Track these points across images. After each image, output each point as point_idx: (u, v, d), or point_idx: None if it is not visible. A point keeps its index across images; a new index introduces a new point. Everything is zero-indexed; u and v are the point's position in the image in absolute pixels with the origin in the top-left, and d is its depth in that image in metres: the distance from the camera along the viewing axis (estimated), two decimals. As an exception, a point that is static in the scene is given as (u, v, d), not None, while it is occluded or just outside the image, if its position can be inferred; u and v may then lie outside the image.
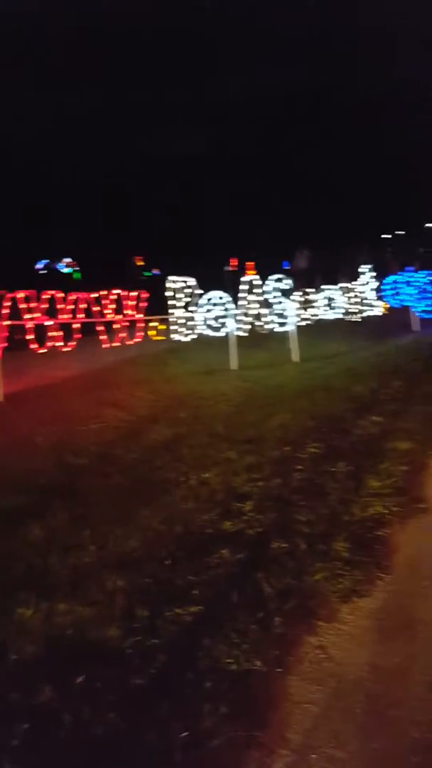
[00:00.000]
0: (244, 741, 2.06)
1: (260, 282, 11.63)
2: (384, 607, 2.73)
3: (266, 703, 2.26)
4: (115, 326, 14.35)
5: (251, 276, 11.85)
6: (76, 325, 13.53)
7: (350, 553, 3.13)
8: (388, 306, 13.01)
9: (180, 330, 11.83)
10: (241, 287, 11.64)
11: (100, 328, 14.02)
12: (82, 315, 13.74)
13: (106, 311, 14.06)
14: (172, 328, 12.01)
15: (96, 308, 13.91)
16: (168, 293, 11.79)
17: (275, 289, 11.56)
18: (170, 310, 11.90)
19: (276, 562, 3.09)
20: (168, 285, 11.77)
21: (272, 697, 2.29)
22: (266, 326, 11.58)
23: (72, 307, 13.61)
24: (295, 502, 3.85)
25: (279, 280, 11.62)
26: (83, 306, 13.70)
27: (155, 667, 2.48)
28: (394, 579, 2.94)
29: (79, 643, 2.68)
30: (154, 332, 14.34)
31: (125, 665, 2.50)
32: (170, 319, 12.06)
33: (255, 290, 11.60)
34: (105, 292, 14.18)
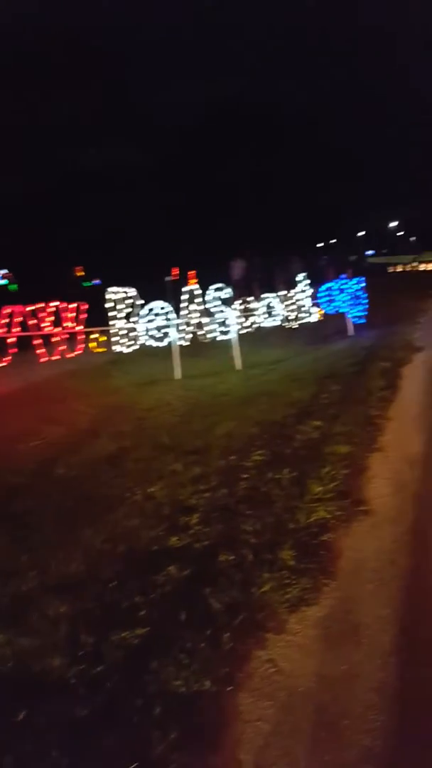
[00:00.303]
0: (196, 766, 2.01)
1: (201, 291, 11.66)
2: (330, 614, 2.75)
3: (217, 724, 2.22)
4: (53, 339, 13.94)
5: (192, 286, 11.85)
6: (11, 340, 13.05)
7: (296, 561, 3.14)
8: (323, 312, 13.33)
9: (121, 341, 11.65)
10: (183, 297, 11.63)
11: (38, 341, 13.58)
12: (18, 329, 13.27)
13: (43, 324, 13.64)
14: (113, 339, 11.81)
15: (32, 321, 13.46)
16: (108, 304, 11.60)
17: (216, 298, 11.62)
18: (111, 322, 11.71)
19: (223, 575, 3.06)
20: (108, 296, 11.58)
21: (223, 717, 2.25)
22: (208, 335, 11.60)
23: (6, 320, 13.12)
24: (242, 512, 3.83)
25: (219, 289, 11.69)
26: (18, 319, 13.23)
27: (101, 695, 2.39)
28: (339, 584, 2.97)
29: (20, 677, 2.55)
30: (95, 344, 14.03)
31: (70, 696, 2.39)
32: (111, 331, 11.86)
33: (196, 300, 11.62)
34: (42, 305, 13.76)
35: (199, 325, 11.57)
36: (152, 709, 2.28)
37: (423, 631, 2.57)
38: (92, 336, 14.46)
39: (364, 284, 13.35)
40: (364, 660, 2.43)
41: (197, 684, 2.39)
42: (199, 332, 11.61)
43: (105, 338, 12.98)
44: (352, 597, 2.87)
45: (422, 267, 64.23)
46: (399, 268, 63.17)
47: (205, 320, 11.56)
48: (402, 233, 71.89)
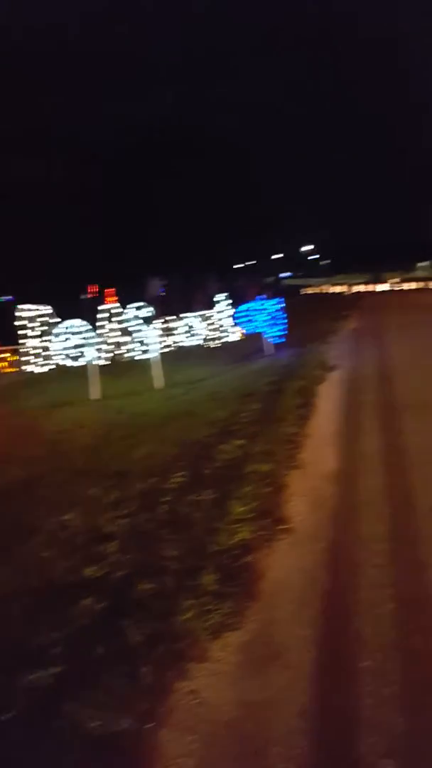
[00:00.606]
0: None
1: (120, 309, 11.51)
2: (253, 638, 2.71)
3: (138, 765, 2.10)
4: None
5: (111, 304, 11.67)
6: None
7: (219, 585, 3.08)
8: (244, 332, 13.59)
9: (35, 360, 11.20)
10: (101, 315, 11.42)
11: None
12: None
13: None
14: (25, 358, 11.33)
15: None
16: (19, 322, 11.13)
17: (136, 317, 11.52)
18: (21, 340, 11.23)
19: (143, 605, 2.94)
20: (19, 314, 11.12)
21: (145, 757, 2.13)
22: (127, 354, 11.45)
23: None
24: (162, 537, 3.73)
25: (140, 307, 11.61)
26: None
27: (6, 748, 2.19)
28: (262, 607, 2.94)
29: None
30: (5, 364, 13.41)
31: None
32: (23, 350, 11.37)
33: (115, 318, 11.45)
34: None
35: (118, 344, 11.39)
36: (64, 757, 2.11)
37: (343, 649, 2.58)
38: (2, 356, 13.83)
39: (282, 305, 13.78)
40: (288, 684, 2.40)
41: (116, 724, 2.26)
42: (118, 351, 11.42)
43: (16, 357, 12.43)
44: (275, 619, 2.84)
45: (332, 289, 67.76)
46: (310, 290, 66.20)
47: (124, 339, 11.40)
48: (317, 256, 75.52)
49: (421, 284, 61.18)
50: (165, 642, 2.65)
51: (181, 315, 12.54)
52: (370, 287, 65.74)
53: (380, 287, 65.08)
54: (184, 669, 2.54)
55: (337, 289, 67.27)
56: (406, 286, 63.32)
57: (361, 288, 65.45)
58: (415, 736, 2.07)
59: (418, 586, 3.00)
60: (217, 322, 12.77)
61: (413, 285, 62.11)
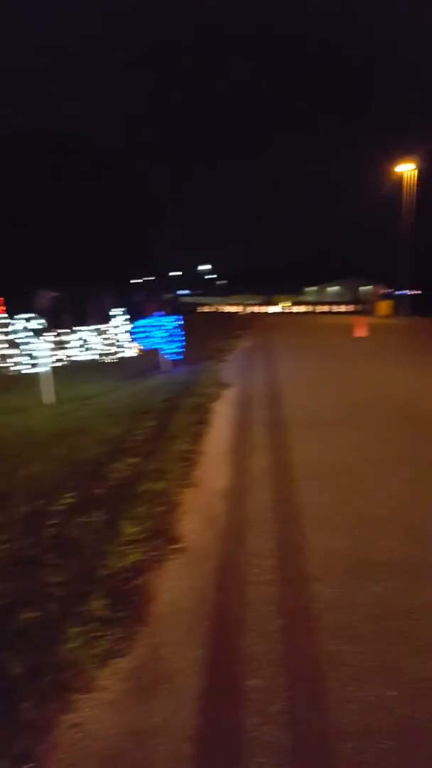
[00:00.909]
0: None
1: (8, 320, 10.94)
2: (142, 663, 2.64)
3: None
4: None
5: (-2, 314, 11.06)
6: None
7: (107, 610, 2.97)
8: (141, 348, 13.48)
9: None
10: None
11: None
12: None
13: None
14: None
15: None
16: None
17: (25, 329, 11.00)
18: None
19: (24, 635, 2.75)
20: None
21: (21, 804, 1.98)
22: (14, 367, 10.88)
23: None
24: (47, 562, 3.53)
25: (29, 319, 11.10)
26: None
27: None
28: (152, 630, 2.88)
29: None
30: None
31: None
32: None
33: (1, 329, 10.86)
34: None
35: (4, 357, 10.80)
36: None
37: (232, 668, 2.59)
38: None
39: (181, 322, 13.89)
40: (177, 708, 2.36)
41: (-10, 770, 2.08)
42: (4, 364, 10.82)
43: None
44: (165, 641, 2.80)
45: (227, 309, 69.82)
46: (207, 308, 67.75)
47: (11, 351, 10.83)
48: (215, 276, 77.53)
49: (309, 308, 65.22)
50: (48, 673, 2.50)
51: (75, 328, 12.19)
52: (263, 308, 68.60)
53: (272, 309, 68.18)
54: (68, 701, 2.42)
55: (233, 308, 69.39)
56: (295, 309, 67.04)
57: (255, 309, 68.09)
58: (301, 751, 2.12)
59: (305, 600, 3.11)
60: (113, 337, 12.57)
61: (302, 308, 66.02)
